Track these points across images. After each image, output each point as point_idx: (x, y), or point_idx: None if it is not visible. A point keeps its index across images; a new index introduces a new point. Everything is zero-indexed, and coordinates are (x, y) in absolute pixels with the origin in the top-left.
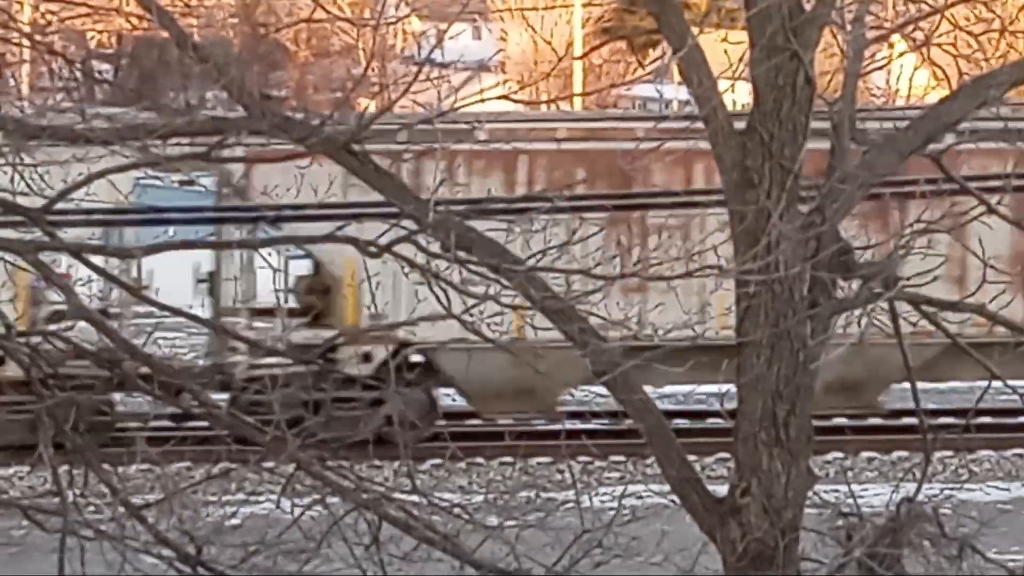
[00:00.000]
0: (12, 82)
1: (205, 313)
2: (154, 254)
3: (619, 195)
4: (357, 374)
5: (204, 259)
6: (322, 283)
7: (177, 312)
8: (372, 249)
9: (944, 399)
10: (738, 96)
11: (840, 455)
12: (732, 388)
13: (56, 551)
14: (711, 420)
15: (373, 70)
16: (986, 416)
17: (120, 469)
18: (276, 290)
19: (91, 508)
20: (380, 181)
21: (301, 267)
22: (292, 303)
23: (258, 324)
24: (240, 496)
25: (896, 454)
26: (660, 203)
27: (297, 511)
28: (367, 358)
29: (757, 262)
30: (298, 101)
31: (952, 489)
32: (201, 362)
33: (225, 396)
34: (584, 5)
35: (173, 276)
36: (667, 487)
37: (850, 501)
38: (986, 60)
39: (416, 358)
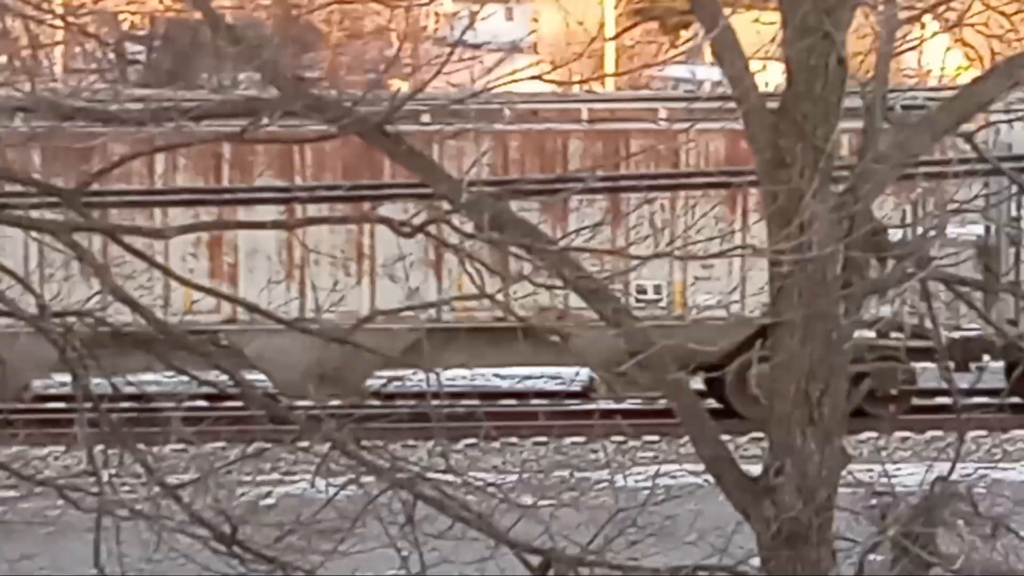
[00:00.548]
0: (46, 63)
1: None
2: (186, 234)
3: (652, 175)
4: None
5: None
6: None
7: (212, 292)
8: (406, 229)
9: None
10: (771, 77)
11: (874, 435)
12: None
13: (92, 531)
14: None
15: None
16: (1019, 396)
17: (155, 449)
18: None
19: (126, 488)
20: (413, 162)
21: None
22: None
23: None
24: (275, 476)
25: (930, 434)
26: (694, 183)
27: (331, 491)
28: None
29: (790, 242)
30: (331, 82)
31: (986, 469)
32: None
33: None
34: None
35: None
36: (701, 466)
37: (884, 480)
38: (1019, 40)
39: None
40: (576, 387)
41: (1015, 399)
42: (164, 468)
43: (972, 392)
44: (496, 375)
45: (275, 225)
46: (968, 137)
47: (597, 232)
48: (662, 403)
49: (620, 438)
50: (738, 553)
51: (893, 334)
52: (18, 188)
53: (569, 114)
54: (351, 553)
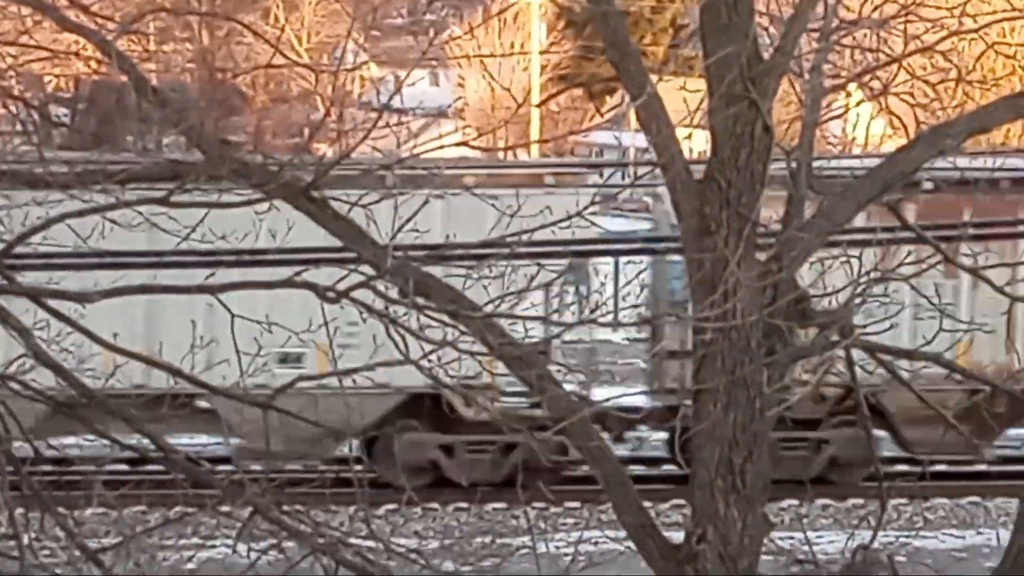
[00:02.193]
0: None
1: None
2: (110, 297)
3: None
4: None
5: None
6: None
7: (134, 356)
8: (331, 295)
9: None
10: (696, 144)
11: (795, 502)
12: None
13: None
14: (667, 467)
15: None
16: (941, 464)
17: (76, 512)
18: None
19: (47, 552)
20: (338, 227)
21: None
22: None
23: None
24: (196, 540)
25: (851, 501)
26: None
27: (253, 556)
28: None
29: (714, 310)
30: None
31: (907, 537)
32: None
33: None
34: (542, 52)
35: None
36: (623, 533)
37: (805, 548)
38: (943, 109)
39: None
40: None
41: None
42: (85, 532)
43: (894, 460)
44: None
45: (200, 289)
46: (892, 206)
47: (522, 299)
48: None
49: (542, 504)
50: None
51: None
52: None
53: (497, 180)
54: None
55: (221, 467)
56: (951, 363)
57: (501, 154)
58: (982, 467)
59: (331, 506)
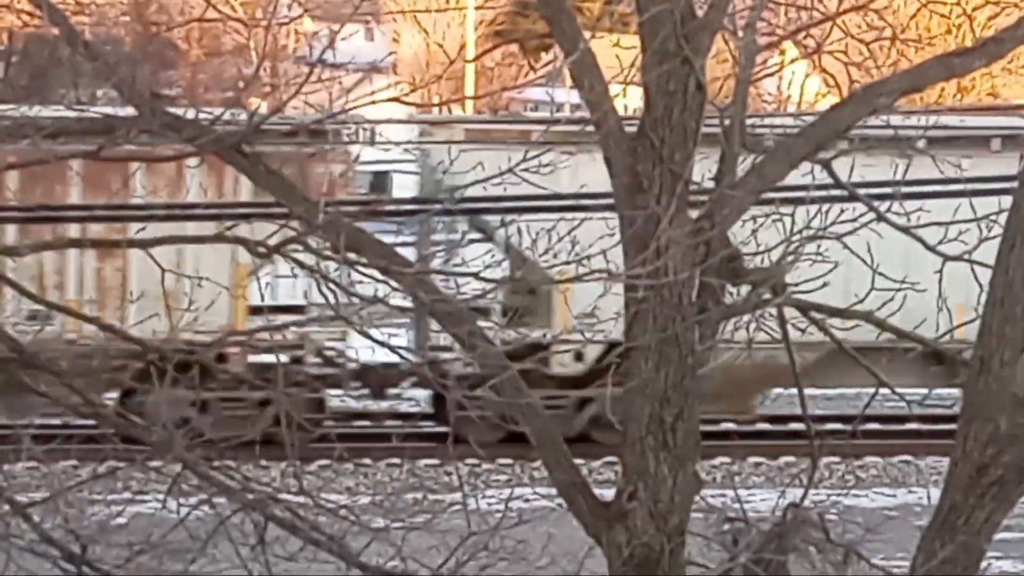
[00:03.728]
0: None
1: None
2: (40, 251)
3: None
4: None
5: None
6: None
7: (66, 310)
8: (261, 250)
9: (831, 405)
10: (630, 101)
11: (727, 460)
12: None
13: None
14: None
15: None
16: (873, 423)
17: (6, 467)
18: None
19: None
20: (270, 182)
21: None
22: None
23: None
24: (126, 495)
25: (783, 459)
26: (552, 206)
27: (183, 511)
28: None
29: (646, 267)
30: (189, 100)
31: (838, 495)
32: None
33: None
34: (477, 8)
35: None
36: (554, 490)
37: (736, 506)
38: (877, 68)
39: None
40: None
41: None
42: (14, 486)
43: (825, 418)
44: (348, 395)
45: (131, 244)
46: (826, 164)
47: (455, 254)
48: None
49: (473, 461)
50: None
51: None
52: None
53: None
54: (202, 574)
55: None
56: (883, 322)
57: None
58: (913, 426)
59: (262, 462)
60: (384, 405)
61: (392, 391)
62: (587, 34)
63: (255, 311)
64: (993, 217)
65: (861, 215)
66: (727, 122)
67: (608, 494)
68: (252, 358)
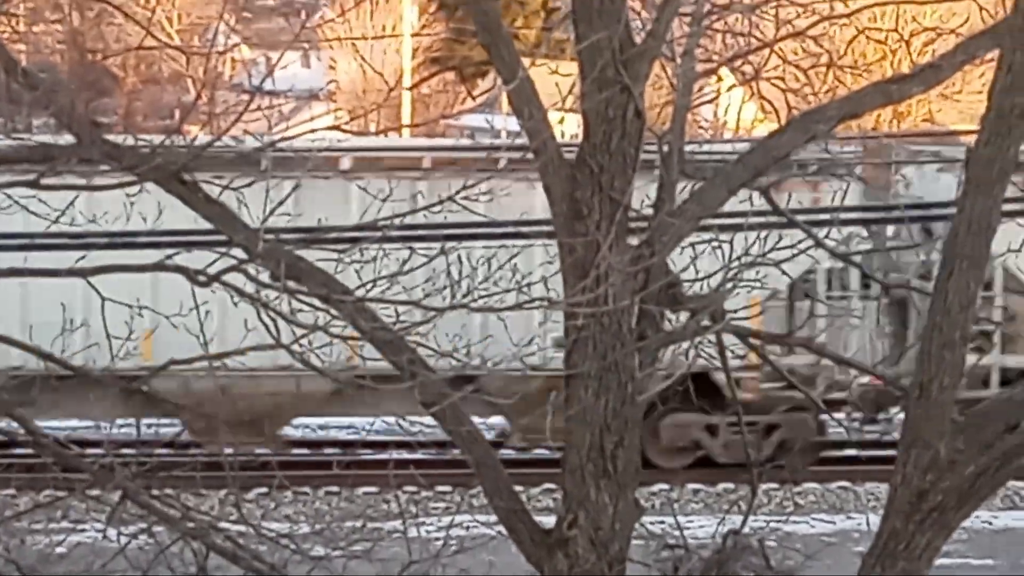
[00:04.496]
0: None
1: None
2: None
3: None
4: None
5: None
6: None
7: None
8: (202, 278)
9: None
10: (568, 128)
11: (666, 487)
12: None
13: None
14: (538, 451)
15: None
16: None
17: None
18: None
19: None
20: (210, 210)
21: None
22: None
23: None
24: (66, 524)
25: (722, 486)
26: (491, 233)
27: (123, 540)
28: None
29: (586, 294)
30: (127, 128)
31: (778, 522)
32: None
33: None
34: (413, 35)
35: None
36: (494, 518)
37: (676, 533)
38: (814, 94)
39: None
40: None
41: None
42: None
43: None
44: (288, 423)
45: (71, 272)
46: (764, 190)
47: (393, 283)
48: (455, 453)
49: (413, 488)
50: None
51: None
52: None
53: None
54: None
55: (91, 451)
56: (822, 348)
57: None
58: (851, 452)
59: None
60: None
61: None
62: (525, 61)
63: None
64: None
65: (799, 241)
66: (666, 149)
67: (549, 521)
68: None
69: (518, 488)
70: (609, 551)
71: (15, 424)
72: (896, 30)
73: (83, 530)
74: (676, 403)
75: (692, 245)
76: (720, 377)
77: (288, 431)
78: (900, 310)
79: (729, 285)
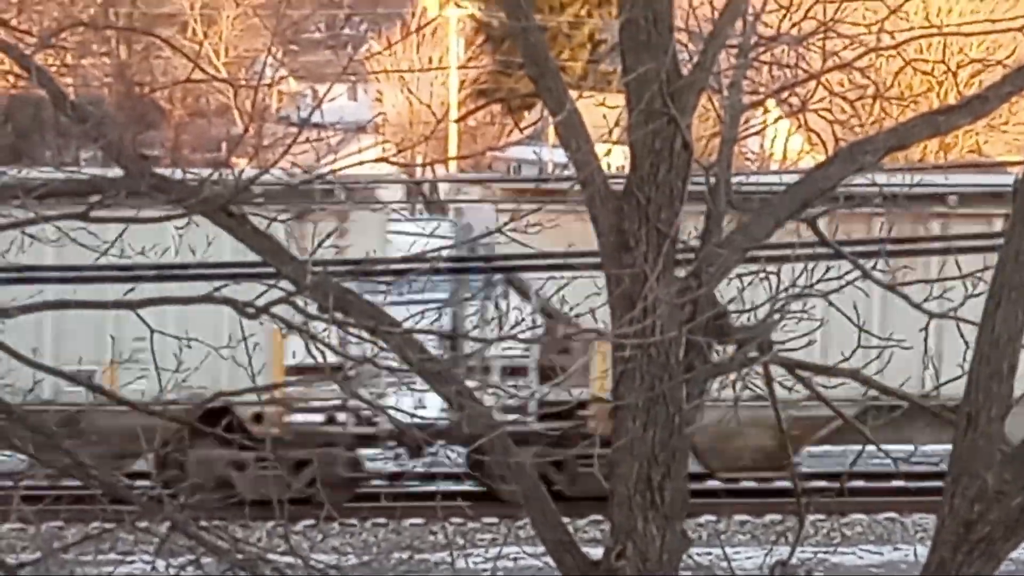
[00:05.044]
0: None
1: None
2: (29, 313)
3: (497, 257)
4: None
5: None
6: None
7: (54, 371)
8: (249, 310)
9: (818, 462)
10: (615, 160)
11: (713, 518)
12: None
13: None
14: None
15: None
16: (859, 480)
17: None
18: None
19: None
20: (258, 242)
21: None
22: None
23: None
24: (114, 556)
25: (769, 517)
26: (539, 264)
27: (172, 572)
28: None
29: (633, 326)
30: (174, 161)
31: (825, 553)
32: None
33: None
34: (460, 67)
35: None
36: (542, 549)
37: (724, 564)
38: (861, 125)
39: None
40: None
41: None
42: (3, 547)
43: (812, 475)
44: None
45: (117, 305)
46: (811, 221)
47: (443, 313)
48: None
49: (459, 520)
50: None
51: None
52: None
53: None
54: None
55: (140, 482)
56: (869, 379)
57: (419, 170)
58: (900, 483)
59: (250, 522)
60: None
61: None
62: (572, 93)
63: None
64: (978, 274)
65: (846, 272)
66: (713, 180)
67: (596, 553)
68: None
69: (565, 519)
70: None
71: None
72: (943, 61)
73: (132, 562)
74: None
75: (739, 276)
76: (243, 411)
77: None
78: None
79: (776, 316)
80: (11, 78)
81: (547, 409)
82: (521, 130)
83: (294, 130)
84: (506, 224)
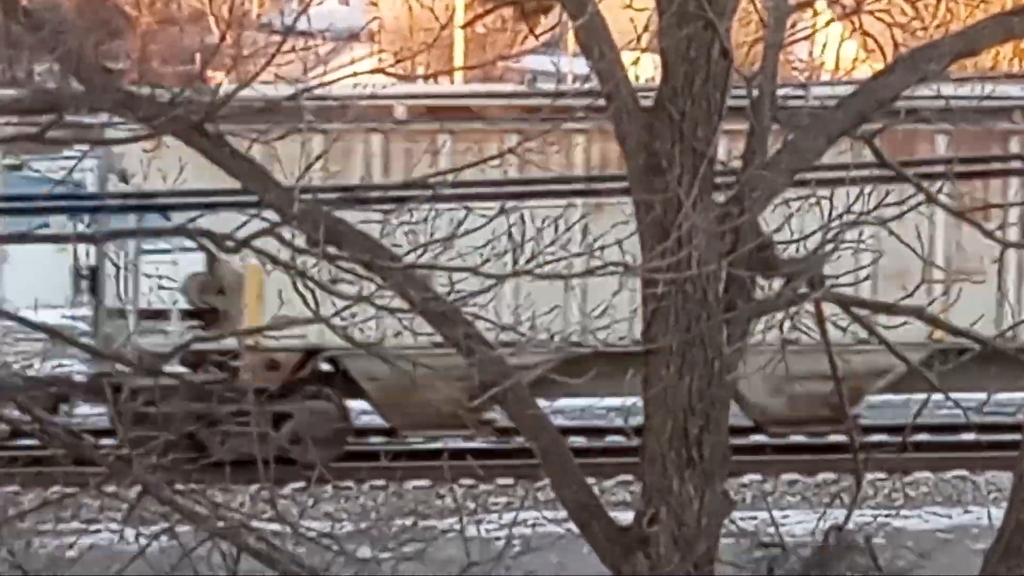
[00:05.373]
0: None
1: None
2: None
3: (510, 181)
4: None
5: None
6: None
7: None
8: (229, 244)
9: (877, 413)
10: (644, 70)
11: (758, 477)
12: (638, 401)
13: None
14: (612, 438)
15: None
16: (924, 433)
17: None
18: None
19: None
20: (237, 166)
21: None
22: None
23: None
24: (78, 525)
25: (822, 476)
26: (558, 191)
27: (143, 541)
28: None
29: (666, 259)
30: (142, 75)
31: (886, 516)
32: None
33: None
34: None
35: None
36: (563, 514)
37: (771, 530)
38: (924, 29)
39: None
40: None
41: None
42: None
43: (870, 429)
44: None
45: (81, 238)
46: (868, 139)
47: (449, 247)
48: (519, 441)
49: (470, 481)
50: None
51: None
52: None
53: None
54: None
55: (105, 441)
56: (936, 318)
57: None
58: (970, 436)
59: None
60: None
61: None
62: None
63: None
64: None
65: (908, 197)
66: (755, 92)
67: (626, 518)
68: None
69: (590, 480)
70: (695, 550)
71: (19, 412)
72: None
73: (97, 531)
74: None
75: (786, 201)
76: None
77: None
78: None
79: (828, 246)
80: None
81: (195, 358)
82: (536, 37)
83: (278, 39)
84: (519, 144)
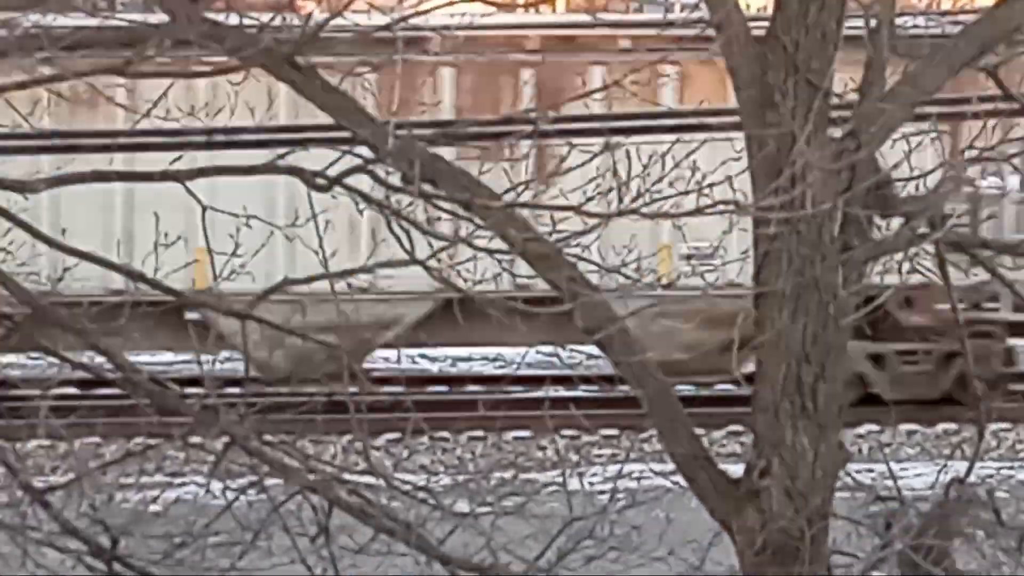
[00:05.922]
0: None
1: None
2: (57, 187)
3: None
4: None
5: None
6: None
7: (87, 257)
8: (320, 181)
9: None
10: None
11: (876, 428)
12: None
13: None
14: (722, 386)
15: None
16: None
17: (18, 445)
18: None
19: None
20: (329, 100)
21: None
22: None
23: None
24: (162, 478)
25: (942, 426)
26: (665, 125)
27: (230, 495)
28: None
29: (779, 197)
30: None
31: (1010, 468)
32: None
33: None
34: None
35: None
36: (670, 466)
37: (889, 483)
38: None
39: None
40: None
41: None
42: (30, 468)
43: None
44: (424, 355)
45: (164, 176)
46: (992, 70)
47: (551, 185)
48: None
49: (573, 431)
50: (716, 570)
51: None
52: None
53: (516, 43)
54: (253, 571)
55: (191, 390)
56: None
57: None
58: None
59: (323, 436)
60: None
61: None
62: None
63: None
64: None
65: None
66: (873, 22)
67: (736, 470)
68: None
69: (699, 431)
70: (809, 504)
71: (101, 358)
72: None
73: (182, 484)
74: None
75: (906, 137)
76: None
77: (426, 365)
78: None
79: (950, 184)
80: None
81: None
82: None
83: None
84: (625, 76)
